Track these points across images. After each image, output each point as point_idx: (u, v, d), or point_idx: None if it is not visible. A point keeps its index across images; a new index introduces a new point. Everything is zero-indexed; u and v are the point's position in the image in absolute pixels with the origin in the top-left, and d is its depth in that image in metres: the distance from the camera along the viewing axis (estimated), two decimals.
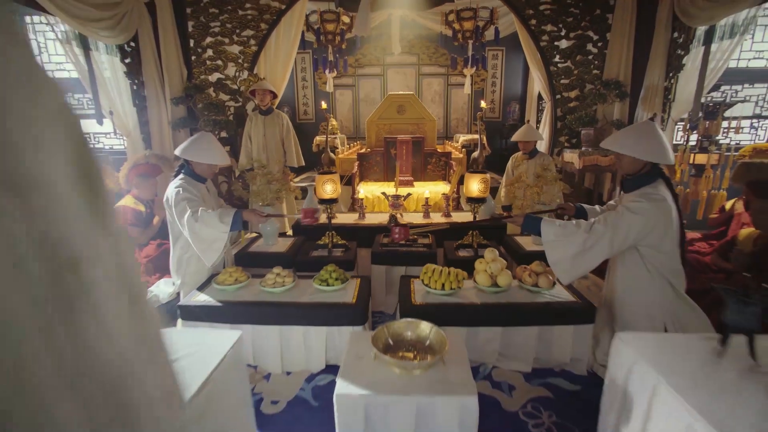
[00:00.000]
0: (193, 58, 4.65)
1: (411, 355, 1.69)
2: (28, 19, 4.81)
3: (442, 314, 2.10)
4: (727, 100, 4.54)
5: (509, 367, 2.25)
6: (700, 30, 3.97)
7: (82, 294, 0.28)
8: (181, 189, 2.33)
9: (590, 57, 4.70)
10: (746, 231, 2.60)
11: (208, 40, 4.62)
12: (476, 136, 3.52)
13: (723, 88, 4.86)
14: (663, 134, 2.00)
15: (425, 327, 1.75)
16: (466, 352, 1.73)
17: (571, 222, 2.02)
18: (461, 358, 1.67)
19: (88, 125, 4.82)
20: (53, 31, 3.88)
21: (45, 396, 0.25)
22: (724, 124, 3.99)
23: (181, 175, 2.45)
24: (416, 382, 1.52)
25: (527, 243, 3.07)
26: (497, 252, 2.39)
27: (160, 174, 3.62)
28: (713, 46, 3.87)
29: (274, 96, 4.41)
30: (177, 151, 2.44)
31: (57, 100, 0.28)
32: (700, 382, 0.98)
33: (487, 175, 2.92)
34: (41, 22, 4.93)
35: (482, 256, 2.39)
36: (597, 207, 2.41)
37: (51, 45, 5.17)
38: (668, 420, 0.96)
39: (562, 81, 4.78)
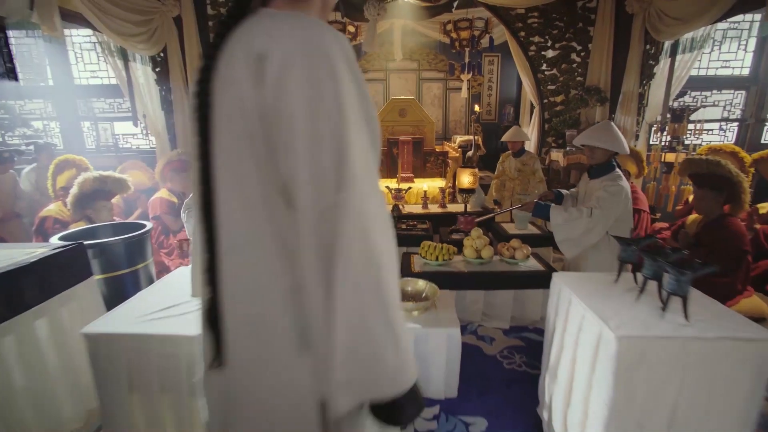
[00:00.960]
0: None
1: (411, 303, 2.19)
2: (67, 32, 5.34)
3: (436, 280, 2.54)
4: (697, 105, 5.04)
5: (491, 324, 2.75)
6: (668, 43, 4.48)
7: None
8: None
9: (574, 65, 5.19)
10: (693, 216, 3.09)
11: None
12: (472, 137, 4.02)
13: (693, 94, 5.36)
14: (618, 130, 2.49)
15: (422, 283, 2.26)
16: (454, 304, 2.23)
17: (574, 209, 2.45)
18: (449, 306, 2.17)
19: (125, 127, 5.36)
20: (101, 46, 4.46)
21: None
22: (692, 126, 4.50)
23: None
24: (414, 320, 2.02)
25: (510, 228, 3.56)
26: (482, 231, 2.90)
27: (191, 169, 4.15)
28: (678, 58, 4.39)
29: None
30: None
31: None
32: (595, 294, 1.53)
33: (476, 170, 3.42)
34: (78, 35, 5.47)
35: None
36: (568, 192, 2.90)
37: (86, 55, 5.71)
38: (573, 315, 1.50)
39: (548, 87, 5.27)
